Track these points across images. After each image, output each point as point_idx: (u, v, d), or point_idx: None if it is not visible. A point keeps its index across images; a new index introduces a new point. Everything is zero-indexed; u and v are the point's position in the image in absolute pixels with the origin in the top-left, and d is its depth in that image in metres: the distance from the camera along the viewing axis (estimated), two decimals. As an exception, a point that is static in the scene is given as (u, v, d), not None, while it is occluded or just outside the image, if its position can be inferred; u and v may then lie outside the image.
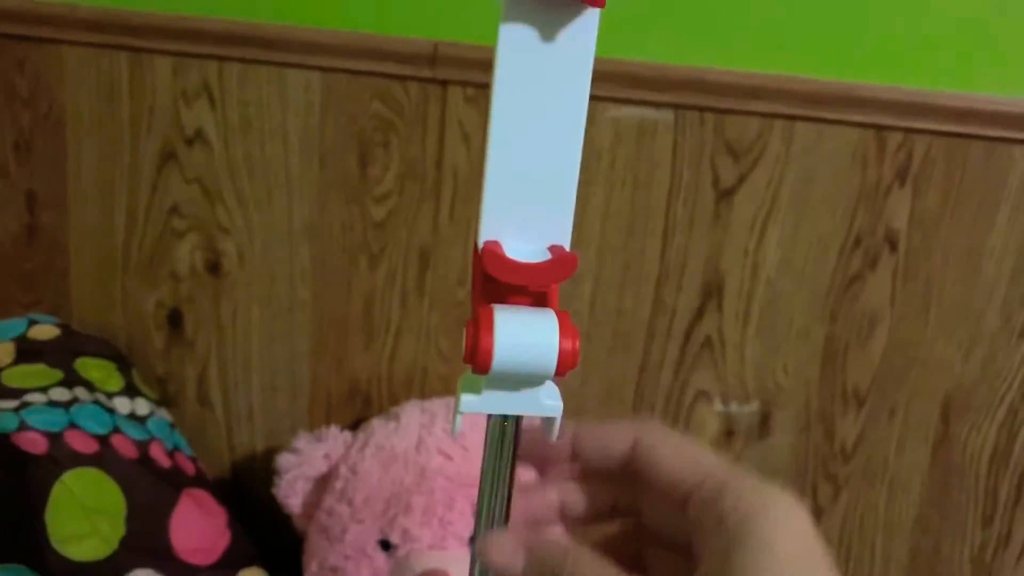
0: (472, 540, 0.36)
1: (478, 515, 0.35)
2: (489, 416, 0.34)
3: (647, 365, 0.88)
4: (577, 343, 0.30)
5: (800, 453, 0.88)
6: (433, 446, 0.81)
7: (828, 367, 0.86)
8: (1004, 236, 0.81)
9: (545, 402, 0.32)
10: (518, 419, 0.34)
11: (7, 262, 0.92)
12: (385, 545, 0.79)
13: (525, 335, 0.30)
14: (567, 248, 0.31)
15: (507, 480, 0.34)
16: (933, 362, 0.85)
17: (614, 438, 0.35)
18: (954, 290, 0.83)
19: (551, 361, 0.30)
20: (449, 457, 0.81)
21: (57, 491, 0.72)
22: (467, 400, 0.32)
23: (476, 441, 0.83)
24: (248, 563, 0.87)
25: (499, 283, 0.30)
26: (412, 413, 0.85)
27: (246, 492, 0.93)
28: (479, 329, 0.30)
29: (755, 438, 0.89)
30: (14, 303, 0.92)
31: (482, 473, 0.35)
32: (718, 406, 0.88)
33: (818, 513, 0.90)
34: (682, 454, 0.33)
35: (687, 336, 0.86)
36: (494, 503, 0.35)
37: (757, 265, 0.84)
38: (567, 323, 0.30)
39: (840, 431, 0.87)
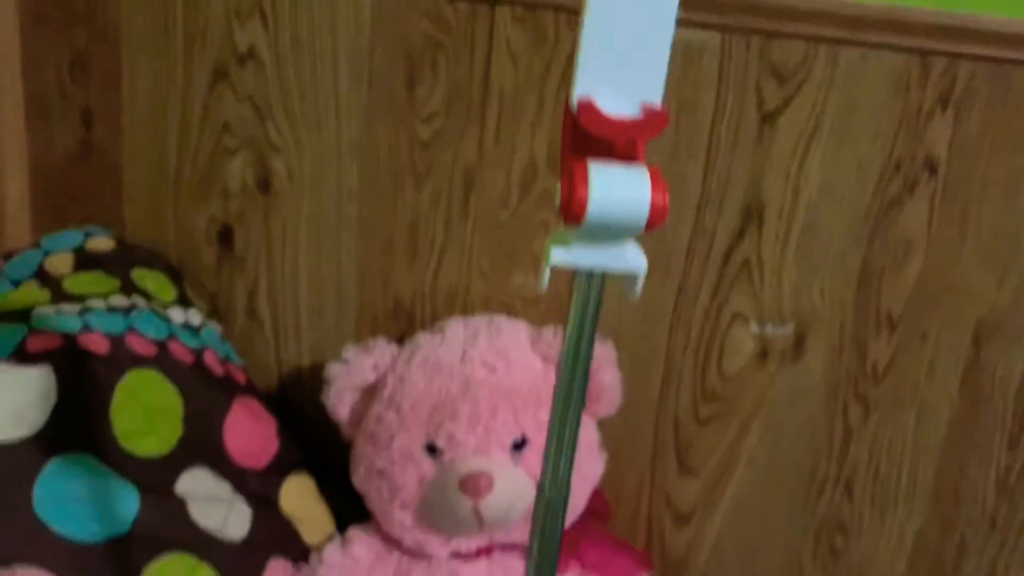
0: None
1: (560, 378, 0.36)
2: (576, 275, 0.35)
3: (685, 287, 0.89)
4: (667, 198, 0.31)
5: (832, 375, 0.90)
6: (477, 358, 0.83)
7: (863, 291, 0.87)
8: (1043, 163, 0.81)
9: (631, 259, 0.33)
10: (602, 280, 0.35)
11: (63, 178, 0.94)
12: (431, 450, 0.81)
13: (619, 187, 0.31)
14: (658, 106, 0.32)
15: (590, 339, 0.35)
16: (967, 288, 0.85)
17: None
18: (991, 217, 0.83)
19: (643, 213, 0.31)
20: (493, 369, 0.82)
21: (120, 390, 0.74)
22: (557, 254, 0.33)
23: (518, 355, 0.85)
24: (296, 469, 0.89)
25: (590, 139, 0.31)
26: (456, 328, 0.86)
27: (293, 405, 0.95)
28: (574, 180, 0.31)
29: (789, 360, 0.90)
30: (69, 218, 0.94)
31: (567, 334, 0.36)
32: (754, 328, 0.89)
33: (848, 434, 0.91)
34: None
35: (726, 258, 0.87)
36: (577, 366, 0.36)
37: (798, 189, 0.84)
38: (658, 178, 0.31)
39: (872, 354, 0.88)
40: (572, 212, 0.31)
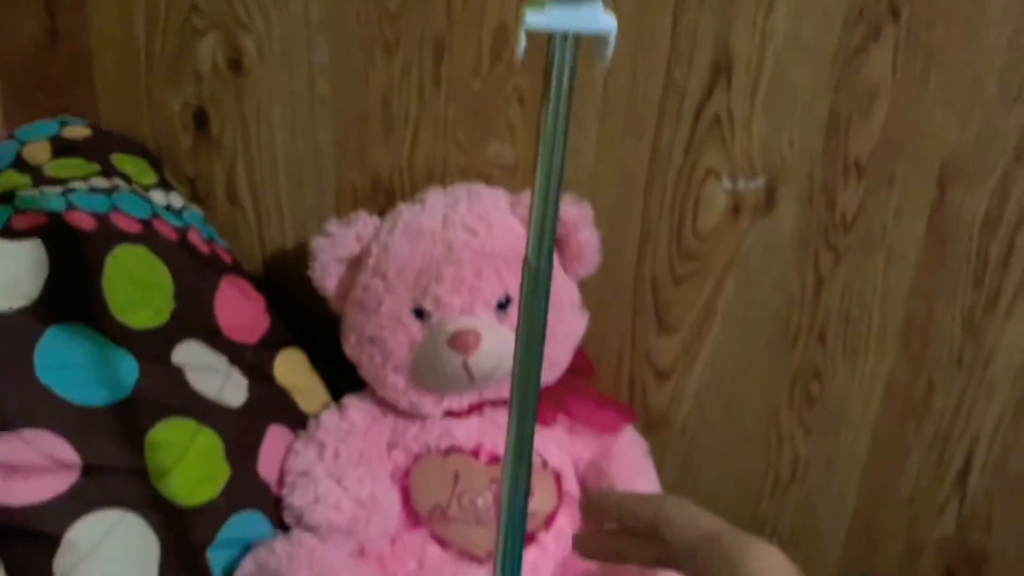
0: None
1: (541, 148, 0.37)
2: (550, 38, 0.36)
3: (658, 146, 0.90)
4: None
5: (803, 225, 0.92)
6: (458, 222, 0.84)
7: (831, 140, 0.88)
8: (1004, 3, 0.82)
9: (601, 21, 0.34)
10: (576, 44, 0.36)
11: (32, 69, 0.93)
12: (419, 313, 0.83)
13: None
14: None
15: (568, 103, 0.36)
16: (931, 131, 0.87)
17: (644, 508, 0.48)
18: (954, 60, 0.85)
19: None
20: (474, 232, 0.84)
21: (110, 263, 0.74)
22: (532, 18, 0.34)
23: (498, 219, 0.86)
24: (288, 344, 0.91)
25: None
26: (436, 196, 0.87)
27: (279, 286, 0.96)
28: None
29: (761, 213, 0.92)
30: (42, 110, 0.93)
31: (544, 102, 0.37)
32: (726, 183, 0.91)
33: (819, 283, 0.94)
34: (689, 520, 0.45)
35: (697, 115, 0.88)
36: (557, 128, 0.37)
37: (765, 40, 0.85)
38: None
39: (841, 202, 0.90)
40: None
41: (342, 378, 0.94)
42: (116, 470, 0.69)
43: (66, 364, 0.69)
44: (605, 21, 0.35)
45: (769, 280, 0.95)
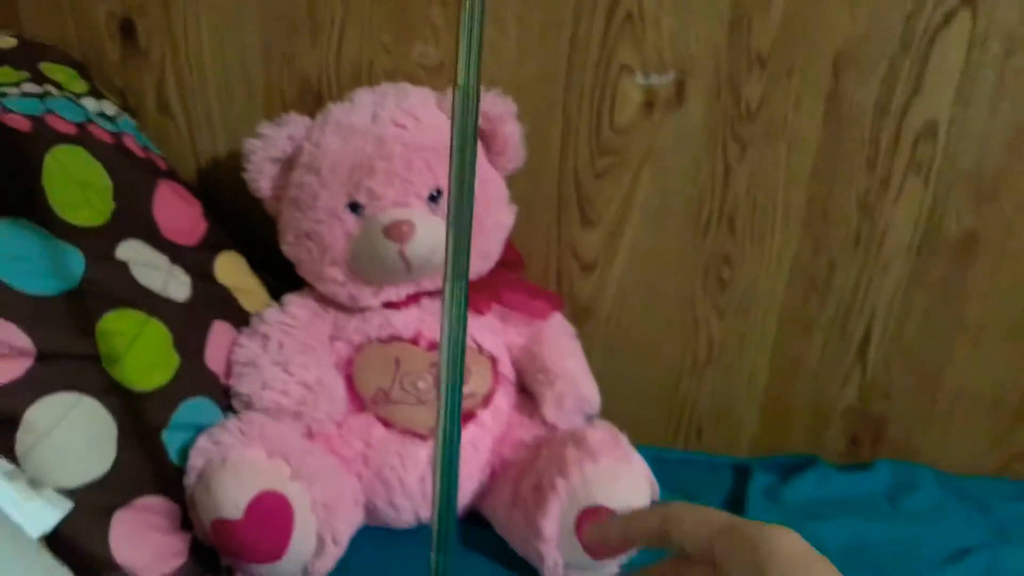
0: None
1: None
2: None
3: (575, 44, 0.94)
4: None
5: (711, 117, 0.97)
6: (387, 118, 0.87)
7: (734, 34, 0.93)
8: (887, -101, 0.88)
9: None
10: None
11: (-52, -19, 0.91)
12: (353, 207, 0.87)
13: None
14: None
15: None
16: (825, 22, 0.93)
17: (648, 520, 0.45)
18: (844, -46, 0.90)
19: None
20: (404, 127, 0.87)
21: (48, 162, 0.76)
22: None
23: (426, 114, 0.89)
24: (226, 247, 0.93)
25: None
26: (364, 94, 0.90)
27: (214, 193, 0.98)
28: None
29: (672, 107, 0.97)
30: (-39, 23, 0.92)
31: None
32: (639, 78, 0.95)
33: (727, 172, 1.00)
34: (698, 518, 0.43)
35: (610, 13, 0.92)
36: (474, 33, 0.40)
37: (670, -63, 0.89)
38: None
39: (745, 93, 0.96)
40: None
41: (279, 283, 0.97)
42: (70, 356, 0.72)
43: (14, 256, 0.70)
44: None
45: (682, 171, 1.00)
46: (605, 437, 0.85)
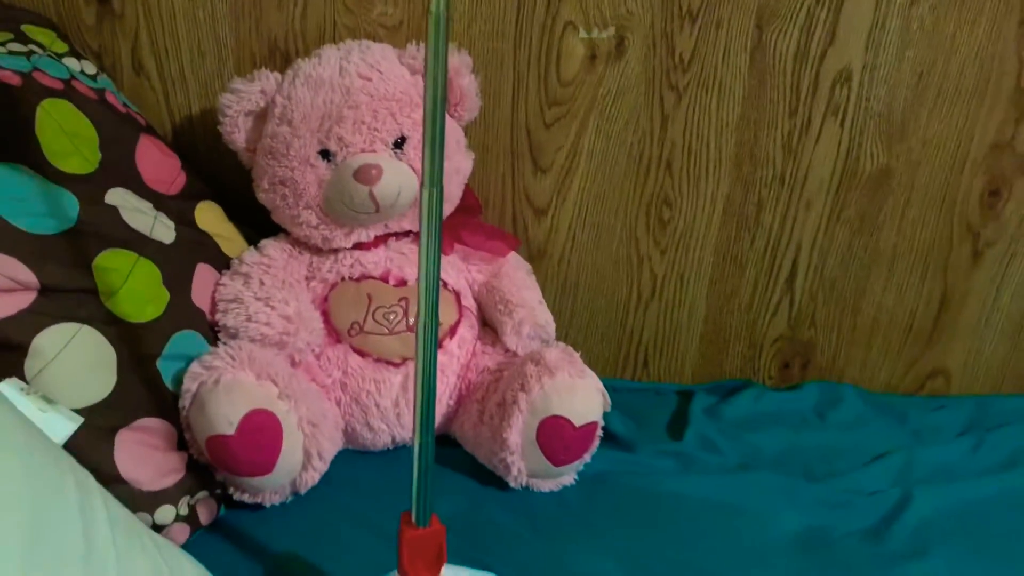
0: None
1: None
2: None
3: (523, 2, 1.00)
4: None
5: (648, 68, 1.05)
6: (353, 71, 0.93)
7: (667, -10, 1.01)
8: None
9: None
10: None
11: (-74, -51, 0.94)
12: (324, 154, 0.92)
13: None
14: None
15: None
16: (748, -21, 1.01)
17: None
18: (763, -84, 0.98)
19: None
20: (368, 79, 0.93)
21: (40, 115, 0.80)
22: None
23: (388, 67, 0.95)
24: (205, 197, 0.98)
25: None
26: (329, 51, 0.95)
27: (188, 150, 1.03)
28: None
29: (613, 60, 1.04)
30: (-59, -9, 0.95)
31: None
32: (582, 34, 1.02)
33: (665, 119, 1.08)
34: None
35: (554, -28, 0.99)
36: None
37: (607, -99, 0.96)
38: None
39: (679, 46, 1.04)
40: None
41: (254, 234, 1.02)
42: (70, 290, 0.76)
43: (15, 197, 0.75)
44: None
45: (623, 120, 1.08)
46: (561, 355, 0.92)
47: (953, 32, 1.05)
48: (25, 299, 0.74)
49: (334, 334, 0.95)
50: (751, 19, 1.03)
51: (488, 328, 1.04)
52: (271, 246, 0.97)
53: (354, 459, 0.97)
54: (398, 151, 0.94)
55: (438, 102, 0.50)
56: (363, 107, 0.91)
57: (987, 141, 1.10)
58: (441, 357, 0.97)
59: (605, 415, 0.96)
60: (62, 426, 0.67)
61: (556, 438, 0.89)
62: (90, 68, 0.94)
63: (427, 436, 0.62)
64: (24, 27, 0.91)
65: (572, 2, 1.01)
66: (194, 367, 0.82)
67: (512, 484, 0.93)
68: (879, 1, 1.02)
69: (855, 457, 1.06)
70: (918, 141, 1.10)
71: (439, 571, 0.67)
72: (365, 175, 0.90)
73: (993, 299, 1.20)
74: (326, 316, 0.96)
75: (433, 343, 0.61)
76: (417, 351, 0.61)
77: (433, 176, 0.52)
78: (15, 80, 0.80)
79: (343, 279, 0.97)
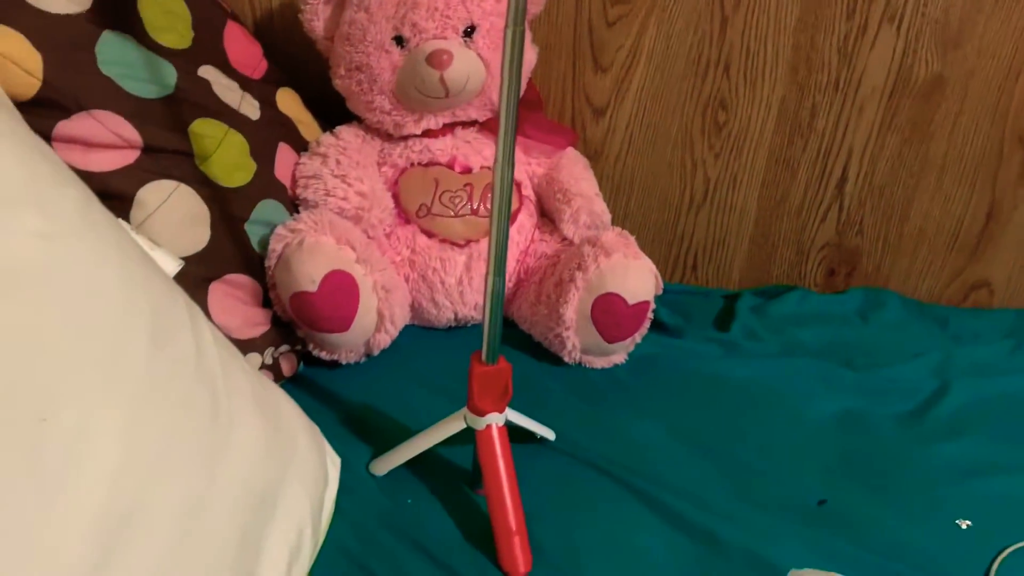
0: None
1: None
2: None
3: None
4: None
5: (711, -31, 1.07)
6: (428, -40, 0.97)
7: None
8: None
9: None
10: None
11: None
12: (398, 40, 0.97)
13: None
14: None
15: None
16: None
17: None
18: None
19: None
20: (442, -33, 0.97)
21: (141, -11, 0.86)
22: None
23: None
24: (285, 84, 1.04)
25: None
26: (406, -58, 0.99)
27: (267, 40, 1.08)
28: None
29: (676, -41, 1.07)
30: None
31: None
32: (647, -67, 1.05)
33: (724, 21, 1.10)
34: None
35: None
36: None
37: None
38: None
39: (741, -54, 1.06)
40: None
41: (326, 124, 1.07)
42: (169, 151, 0.83)
43: (120, 62, 0.81)
44: None
45: (684, 20, 1.11)
46: (617, 238, 0.97)
47: (1015, -63, 1.05)
48: (129, 156, 0.80)
49: (403, 215, 1.01)
50: (813, -79, 1.04)
51: (546, 218, 1.09)
52: (346, 131, 1.03)
53: (420, 332, 1.03)
54: (467, 39, 0.98)
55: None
56: (436, -6, 0.95)
57: (1044, 49, 1.11)
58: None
59: (656, 308, 1.01)
60: (168, 264, 0.73)
61: (609, 315, 0.94)
62: (181, -47, 0.98)
63: (499, 277, 0.67)
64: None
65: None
66: (280, 230, 0.89)
67: (566, 359, 0.99)
68: (942, -97, 1.03)
69: (895, 353, 1.10)
70: (973, 49, 1.11)
71: (504, 406, 0.73)
72: (437, 60, 0.94)
73: (1041, 212, 1.22)
74: (396, 198, 1.01)
75: (507, 199, 0.66)
76: (493, 196, 0.66)
77: (517, 16, 0.56)
78: (118, -44, 0.86)
79: (412, 164, 1.02)
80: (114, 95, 0.79)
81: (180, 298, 0.63)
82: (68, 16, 0.78)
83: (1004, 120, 1.15)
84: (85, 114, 0.78)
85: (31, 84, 0.75)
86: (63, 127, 0.77)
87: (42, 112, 0.76)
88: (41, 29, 0.76)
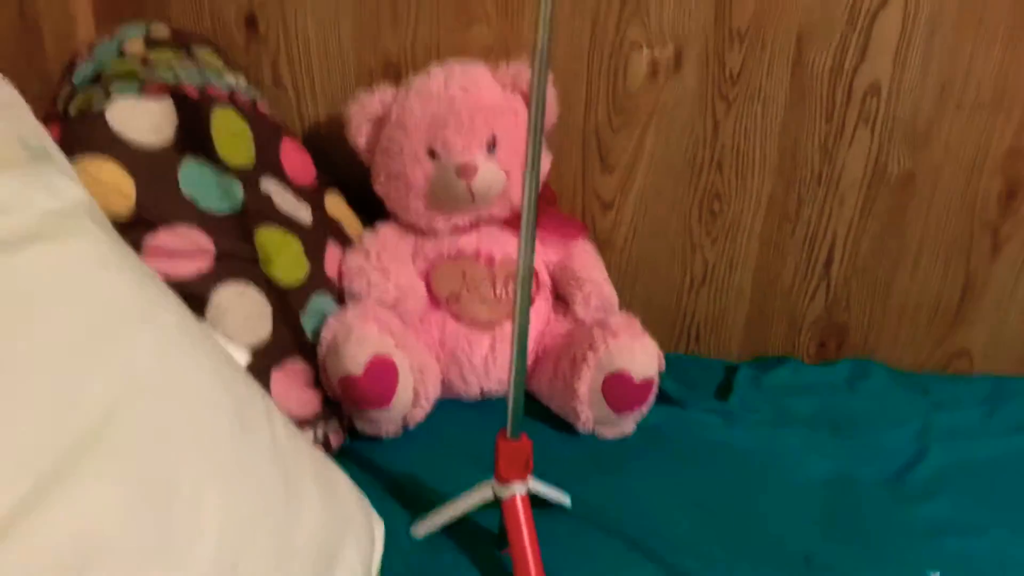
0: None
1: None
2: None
3: (596, 24, 1.17)
4: None
5: (702, 81, 1.21)
6: (455, 84, 1.11)
7: (719, 14, 1.17)
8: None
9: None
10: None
11: (116, -14, 1.16)
12: (431, 154, 1.10)
13: None
14: None
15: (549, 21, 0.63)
16: (790, 5, 1.16)
17: None
18: (803, -47, 1.13)
19: None
20: (468, 91, 1.11)
21: (214, 119, 1.00)
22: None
23: (485, 82, 1.13)
24: (331, 188, 1.17)
25: None
26: (437, 68, 1.13)
27: (315, 149, 1.22)
28: None
29: (671, 74, 1.20)
30: (124, 17, 1.16)
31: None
32: (645, 52, 1.19)
33: (716, 126, 1.23)
34: None
35: (622, 0, 1.16)
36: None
37: (669, -58, 1.12)
38: None
39: (728, 63, 1.19)
40: None
41: (367, 220, 1.21)
42: (239, 257, 0.96)
43: (198, 183, 0.94)
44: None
45: (680, 126, 1.24)
46: (623, 321, 1.09)
47: (971, 51, 1.18)
48: (206, 263, 0.93)
49: (435, 302, 1.13)
50: (792, 39, 1.18)
51: (560, 301, 1.21)
52: (384, 228, 1.16)
53: (451, 406, 1.14)
54: (490, 152, 1.11)
55: (539, 113, 0.67)
56: (463, 115, 1.09)
57: (1003, 147, 1.23)
58: (523, 323, 1.14)
59: (661, 380, 1.12)
60: (240, 357, 0.86)
61: (619, 390, 1.06)
62: (242, 81, 1.13)
63: (521, 364, 0.79)
64: (193, 47, 1.11)
65: (637, 25, 1.17)
66: (330, 320, 1.01)
67: (580, 430, 1.10)
68: (905, 24, 1.16)
69: (879, 419, 1.20)
70: (939, 147, 1.23)
71: (527, 476, 0.84)
72: (465, 172, 1.07)
73: (1011, 289, 1.32)
74: (428, 287, 1.14)
75: (527, 291, 0.78)
76: (515, 302, 0.78)
77: (535, 162, 0.69)
78: (194, 93, 1.00)
79: (442, 257, 1.15)
80: (193, 212, 0.93)
81: (256, 389, 0.75)
82: (154, 147, 0.92)
83: (972, 209, 1.27)
84: (169, 228, 0.91)
85: (126, 205, 0.88)
86: (150, 239, 0.90)
87: (134, 228, 0.89)
88: (134, 159, 0.90)
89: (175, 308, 0.70)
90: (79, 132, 0.89)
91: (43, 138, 0.79)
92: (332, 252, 1.10)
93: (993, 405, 1.25)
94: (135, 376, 0.61)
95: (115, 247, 0.69)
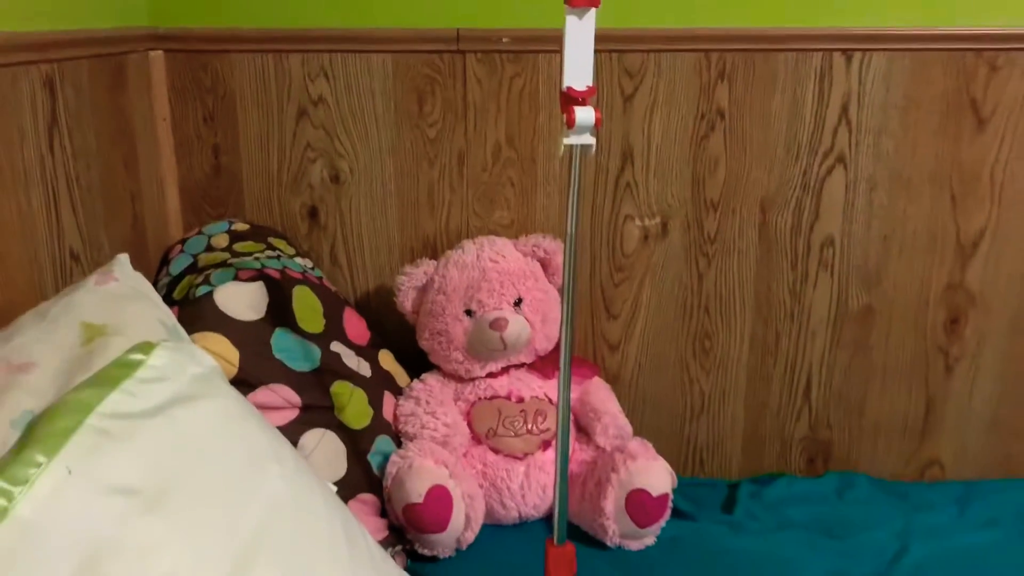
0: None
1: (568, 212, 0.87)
2: (571, 149, 0.85)
3: (595, 204, 1.41)
4: (600, 116, 0.82)
5: (686, 243, 1.43)
6: (486, 256, 1.32)
7: (696, 190, 1.41)
8: (780, 106, 1.37)
9: (589, 140, 0.84)
10: (581, 151, 0.86)
11: (202, 190, 1.39)
12: (468, 313, 1.31)
13: (584, 113, 0.82)
14: (592, 85, 0.84)
15: (579, 188, 0.86)
16: (752, 180, 1.40)
17: None
18: (757, 138, 1.39)
19: (592, 120, 0.82)
20: (496, 261, 1.32)
21: (294, 296, 1.21)
22: (566, 140, 0.83)
23: (509, 253, 1.34)
24: (383, 347, 1.37)
25: (572, 99, 0.82)
26: (468, 243, 1.36)
27: (366, 315, 1.42)
28: (571, 112, 0.82)
29: (660, 239, 1.43)
30: (207, 217, 1.39)
31: (570, 185, 0.86)
32: (637, 222, 1.42)
33: (700, 278, 1.45)
34: None
35: (616, 182, 1.40)
36: (575, 203, 0.86)
37: (650, 137, 1.38)
38: (596, 110, 0.82)
39: (706, 227, 1.43)
40: (570, 121, 0.82)
41: (414, 373, 1.40)
42: (319, 408, 1.14)
43: (286, 349, 1.14)
44: (590, 140, 0.84)
45: (670, 279, 1.46)
46: (639, 445, 1.26)
47: (904, 207, 1.42)
48: (293, 414, 1.11)
49: (476, 437, 1.31)
50: (757, 206, 1.42)
51: (582, 433, 1.38)
52: (429, 377, 1.35)
53: (493, 530, 1.29)
54: (517, 308, 1.32)
55: (571, 281, 0.88)
56: (493, 280, 1.30)
57: (942, 283, 1.45)
58: (550, 453, 1.31)
59: (675, 499, 1.28)
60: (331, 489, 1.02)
61: (639, 505, 1.22)
62: (308, 263, 1.35)
63: (563, 484, 0.96)
64: (270, 239, 1.33)
65: (629, 201, 1.41)
66: (393, 457, 1.18)
67: (608, 543, 1.25)
68: (848, 190, 1.40)
69: (865, 523, 1.35)
70: (890, 285, 1.45)
71: (573, 578, 1.00)
72: (497, 325, 1.28)
73: (967, 404, 1.51)
74: (469, 425, 1.31)
75: (566, 430, 0.96)
76: (557, 440, 0.96)
77: (570, 319, 0.89)
78: (276, 275, 1.21)
79: (480, 399, 1.33)
80: (283, 372, 1.12)
81: (349, 512, 0.91)
82: (252, 322, 1.12)
83: (924, 335, 1.47)
84: (265, 387, 1.10)
85: (232, 371, 1.07)
86: (250, 397, 1.09)
87: (238, 387, 1.08)
88: (237, 332, 1.10)
89: (288, 447, 0.88)
90: (193, 313, 1.10)
91: (171, 318, 0.99)
92: (388, 400, 1.28)
93: (963, 506, 1.40)
94: (275, 498, 0.78)
95: (241, 401, 0.87)
